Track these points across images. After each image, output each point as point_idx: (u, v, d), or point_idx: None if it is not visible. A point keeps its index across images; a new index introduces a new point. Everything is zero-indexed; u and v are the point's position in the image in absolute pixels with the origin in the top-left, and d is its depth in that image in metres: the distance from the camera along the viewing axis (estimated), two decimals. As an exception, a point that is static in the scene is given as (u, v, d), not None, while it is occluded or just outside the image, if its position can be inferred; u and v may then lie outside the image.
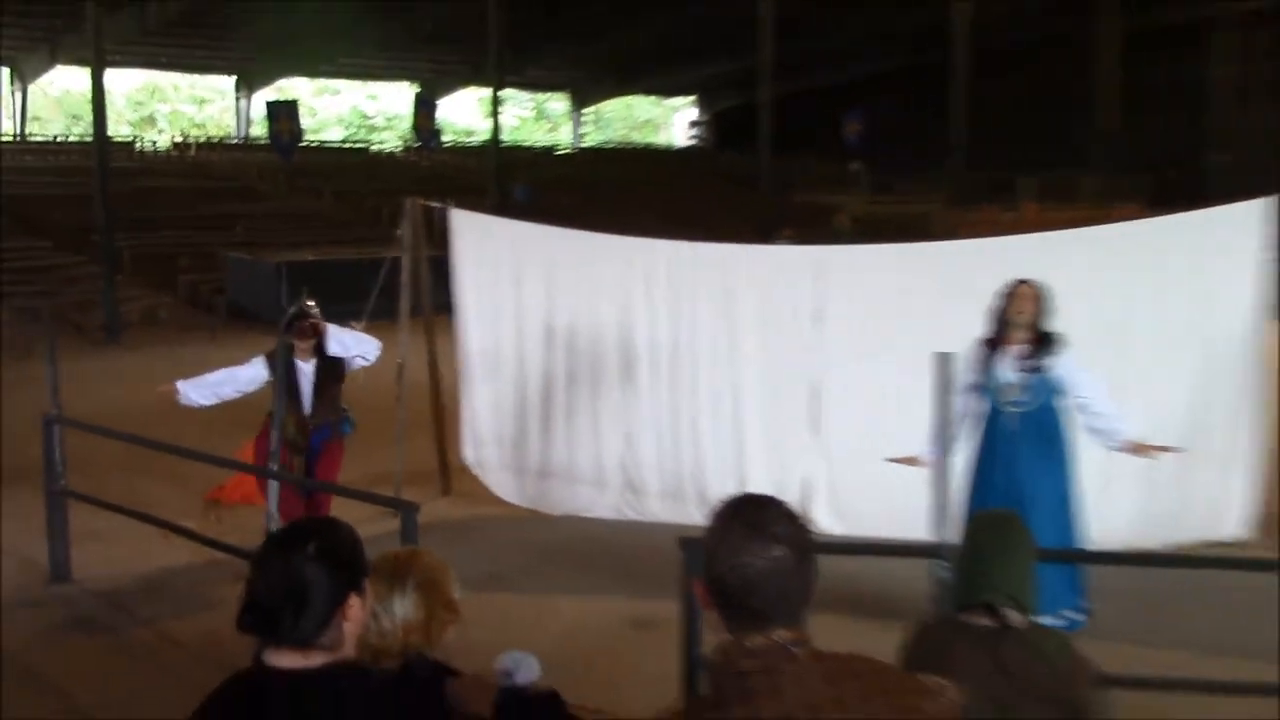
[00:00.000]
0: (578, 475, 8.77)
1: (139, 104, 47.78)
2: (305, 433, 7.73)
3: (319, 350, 7.72)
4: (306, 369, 7.78)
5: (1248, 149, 38.05)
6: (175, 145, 36.94)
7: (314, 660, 2.32)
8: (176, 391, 7.65)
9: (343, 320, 8.15)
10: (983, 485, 6.09)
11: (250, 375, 7.73)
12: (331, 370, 7.83)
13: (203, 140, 38.80)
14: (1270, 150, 39.58)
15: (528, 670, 2.81)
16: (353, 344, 7.90)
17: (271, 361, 7.66)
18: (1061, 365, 5.92)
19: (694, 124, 56.20)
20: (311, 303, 7.81)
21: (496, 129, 30.48)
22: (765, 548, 2.03)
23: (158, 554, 7.86)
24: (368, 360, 8.06)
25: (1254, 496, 7.35)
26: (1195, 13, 38.05)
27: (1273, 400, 7.51)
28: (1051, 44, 41.68)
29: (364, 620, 2.45)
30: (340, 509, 7.27)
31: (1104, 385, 6.17)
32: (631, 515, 8.55)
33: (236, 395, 7.78)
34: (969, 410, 6.12)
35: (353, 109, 55.11)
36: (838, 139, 40.75)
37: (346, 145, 44.53)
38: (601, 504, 8.67)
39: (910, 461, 5.95)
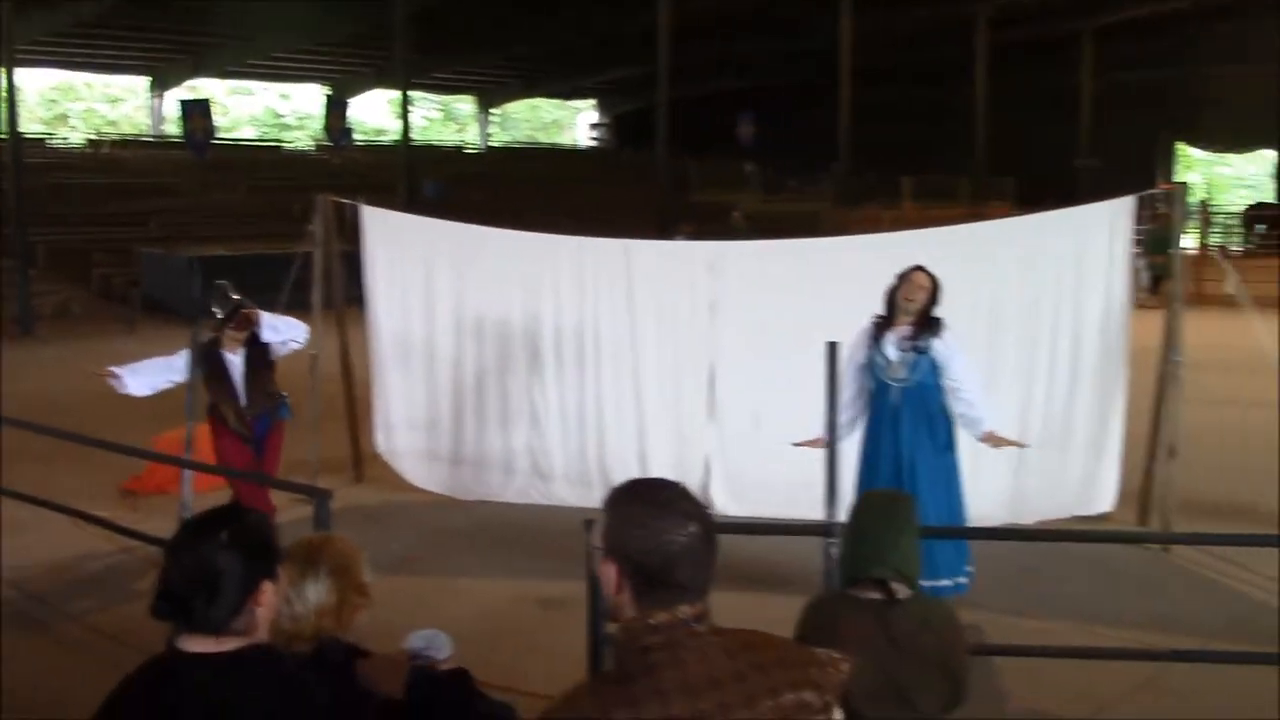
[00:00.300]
0: (487, 461, 8.71)
1: (52, 102, 46.36)
2: (246, 423, 7.52)
3: (248, 340, 7.51)
4: (235, 360, 7.56)
5: (1113, 153, 39.13)
6: (89, 142, 35.92)
7: (227, 645, 2.26)
8: (114, 375, 7.39)
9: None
10: (871, 457, 6.18)
11: (177, 368, 7.50)
12: (260, 358, 7.62)
13: (116, 138, 37.78)
14: (1133, 154, 40.78)
15: (439, 647, 2.78)
16: (284, 329, 7.69)
17: (200, 356, 7.45)
18: (941, 346, 6.02)
19: (595, 126, 56.13)
20: (236, 295, 7.59)
21: (406, 128, 30.12)
22: (682, 525, 2.03)
23: (76, 545, 7.64)
24: (299, 344, 7.86)
25: (1119, 475, 7.54)
26: (1061, 26, 38.98)
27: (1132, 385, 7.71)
28: (930, 55, 42.42)
29: (277, 606, 2.41)
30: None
31: (977, 374, 6.26)
32: (538, 499, 8.52)
33: (169, 385, 7.53)
34: (860, 386, 6.20)
35: (266, 108, 54.13)
36: (732, 141, 41.03)
37: (260, 143, 43.68)
38: (510, 489, 8.63)
39: (815, 444, 6.01)
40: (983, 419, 6.09)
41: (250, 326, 7.47)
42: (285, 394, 7.77)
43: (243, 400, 7.50)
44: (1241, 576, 6.70)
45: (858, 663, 2.21)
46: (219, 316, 7.46)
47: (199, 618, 2.24)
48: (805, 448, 6.04)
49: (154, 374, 7.51)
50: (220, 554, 2.25)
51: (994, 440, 6.12)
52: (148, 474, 9.08)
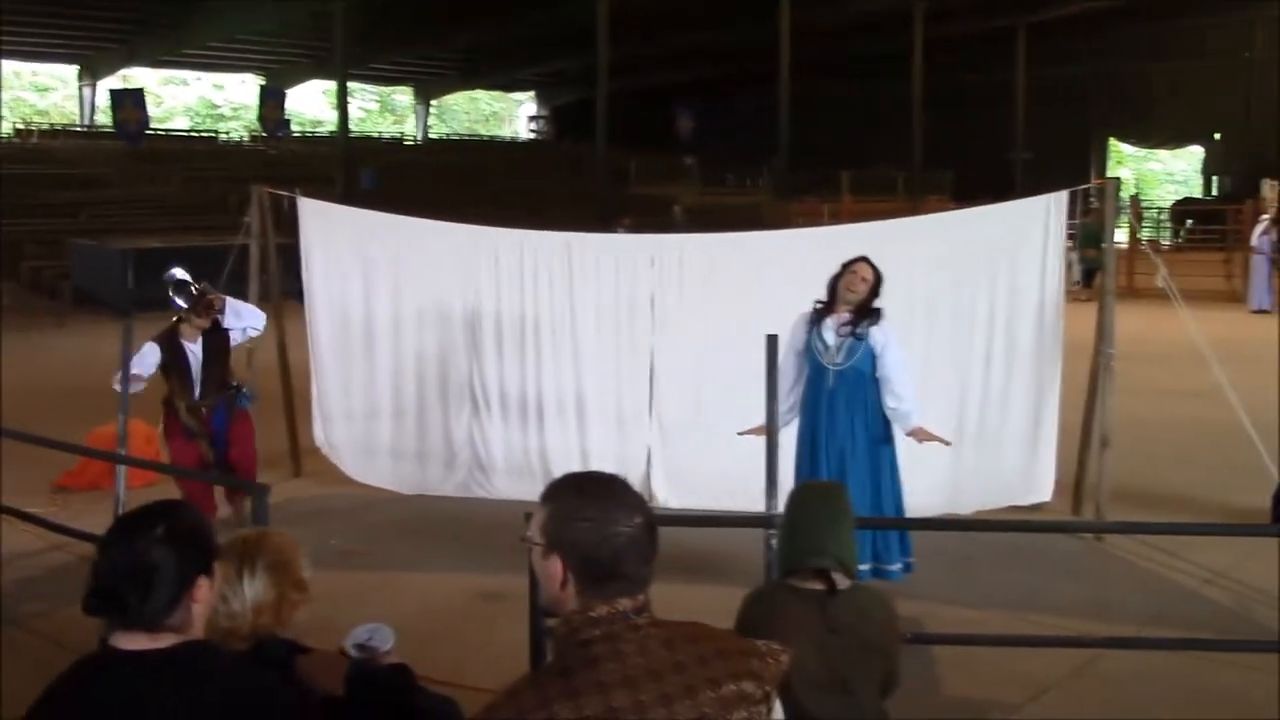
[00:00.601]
0: (427, 454, 8.66)
1: (-23, 91, 45.36)
2: (198, 415, 7.40)
3: (207, 328, 7.40)
4: (195, 348, 7.43)
5: (1047, 148, 39.72)
6: (17, 132, 35.20)
7: (161, 642, 2.23)
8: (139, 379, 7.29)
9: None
10: (809, 444, 6.20)
11: (147, 359, 7.35)
12: (219, 346, 7.50)
13: (45, 127, 37.05)
14: (1066, 149, 41.42)
15: (383, 639, 2.76)
16: (245, 314, 7.59)
17: (161, 344, 7.33)
18: (879, 334, 6.05)
19: (534, 118, 55.95)
20: (197, 283, 7.47)
21: (344, 119, 29.81)
22: (628, 517, 2.04)
23: (8, 543, 7.46)
24: (258, 331, 7.76)
25: (1054, 465, 7.64)
26: (995, 22, 39.43)
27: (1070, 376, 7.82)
28: (868, 50, 42.74)
29: (212, 603, 2.38)
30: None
31: (910, 368, 6.27)
32: (479, 492, 8.49)
33: (149, 373, 7.41)
34: (799, 373, 6.23)
35: (200, 98, 53.37)
36: (671, 134, 41.12)
37: (194, 134, 43.06)
38: (450, 482, 8.59)
39: (758, 431, 6.03)
40: (911, 414, 6.11)
41: (214, 313, 7.35)
42: (241, 383, 7.67)
43: (196, 391, 7.38)
44: (1173, 564, 6.83)
45: (798, 653, 2.23)
46: (183, 305, 7.33)
47: (133, 613, 2.20)
48: (750, 435, 6.06)
49: (137, 368, 7.35)
50: (155, 548, 2.21)
51: (921, 435, 6.13)
52: (80, 470, 8.93)
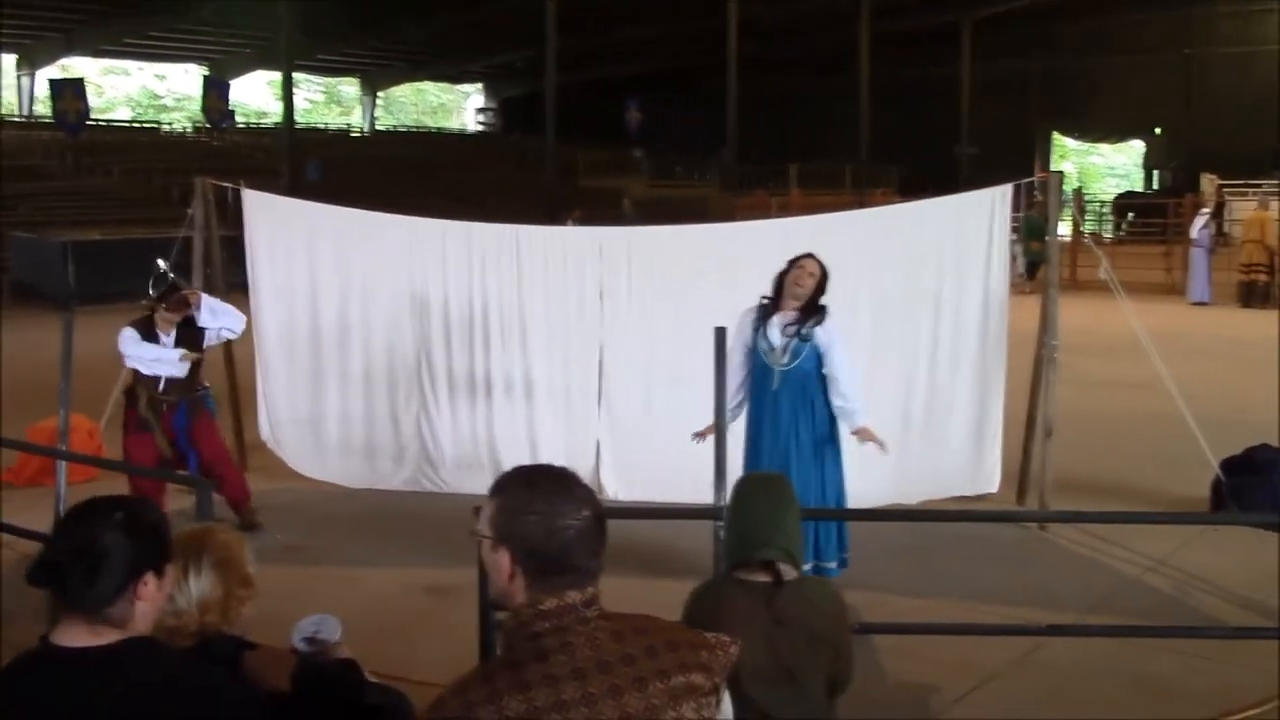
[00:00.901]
0: (375, 448, 8.61)
1: (-88, 80, 44.42)
2: (157, 409, 7.30)
3: (180, 324, 7.31)
4: (167, 341, 7.33)
5: (992, 142, 40.13)
6: (-47, 122, 34.49)
7: (104, 637, 2.20)
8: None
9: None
10: (755, 441, 6.22)
11: (128, 343, 7.33)
12: (191, 343, 7.38)
13: (-18, 118, 36.32)
14: (1011, 143, 41.86)
15: (330, 630, 2.74)
16: (222, 314, 7.48)
17: (139, 332, 7.25)
18: (824, 334, 6.06)
19: (481, 110, 55.66)
20: (172, 275, 7.39)
21: (290, 110, 29.49)
22: (576, 510, 2.05)
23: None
24: (234, 333, 7.65)
25: (999, 456, 7.72)
26: (940, 16, 39.74)
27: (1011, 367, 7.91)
28: (815, 44, 42.95)
29: (160, 604, 2.35)
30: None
31: (856, 367, 6.26)
32: (428, 486, 8.45)
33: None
34: (747, 370, 6.24)
35: (142, 89, 52.62)
36: (620, 127, 41.09)
37: (136, 124, 42.42)
38: (399, 476, 8.54)
39: (709, 432, 6.05)
40: (856, 412, 6.10)
41: (187, 308, 7.26)
42: (208, 386, 7.57)
43: (161, 385, 7.29)
44: (1115, 553, 6.93)
45: (746, 645, 2.24)
46: (153, 296, 7.25)
47: (73, 593, 2.18)
48: (703, 436, 6.05)
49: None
50: (108, 534, 2.20)
51: (864, 435, 6.12)
52: (21, 466, 8.79)
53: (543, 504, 2.05)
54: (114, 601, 2.20)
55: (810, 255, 6.16)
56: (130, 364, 7.41)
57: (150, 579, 2.26)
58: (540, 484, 2.09)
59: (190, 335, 7.39)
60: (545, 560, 2.04)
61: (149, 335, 7.31)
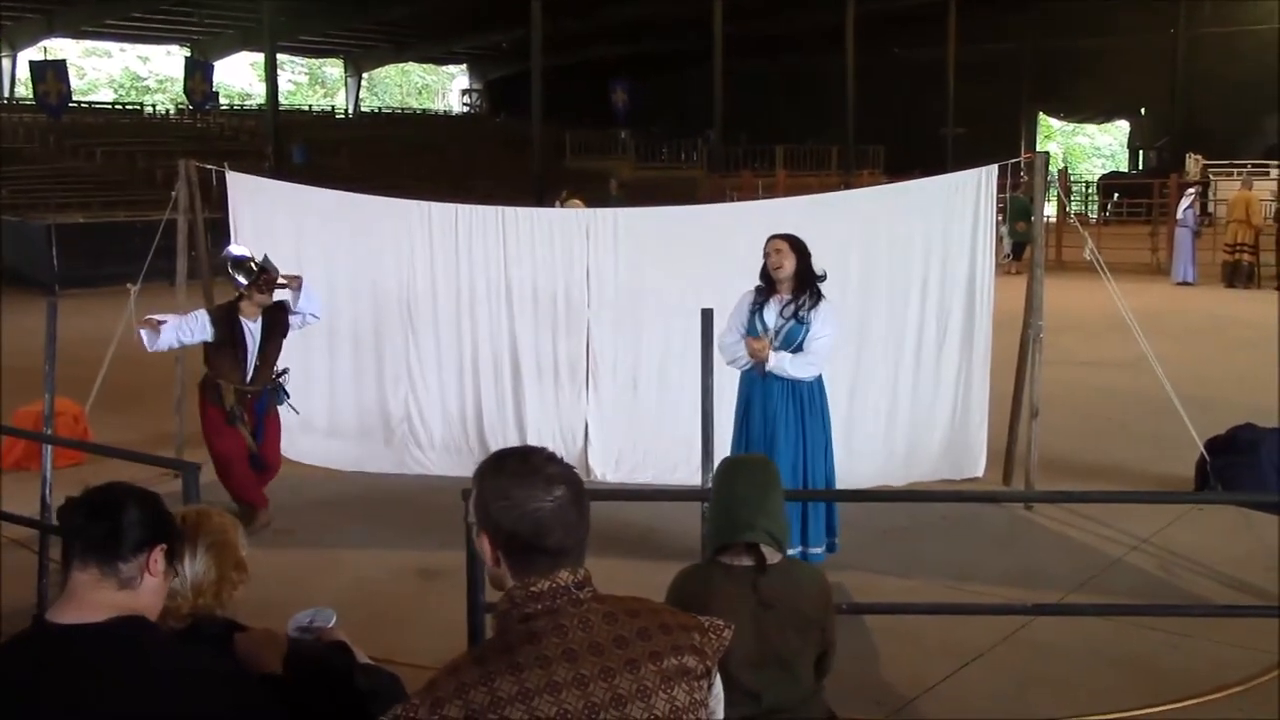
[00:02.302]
0: (363, 431, 8.59)
1: (-109, 61, 44.00)
2: (245, 401, 7.08)
3: (267, 308, 7.13)
4: (254, 328, 7.10)
5: (978, 123, 40.14)
6: (-68, 105, 34.25)
7: (99, 614, 2.22)
8: (154, 326, 6.99)
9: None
10: (744, 420, 6.22)
11: (197, 327, 7.08)
12: (278, 328, 7.18)
13: (-39, 100, 36.07)
14: (996, 123, 41.88)
15: (324, 619, 2.75)
16: (315, 299, 7.34)
17: (217, 318, 7.04)
18: (816, 320, 6.03)
19: (467, 91, 55.44)
20: (256, 258, 7.15)
21: (274, 92, 29.33)
22: (548, 489, 2.04)
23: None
24: (317, 319, 7.50)
25: (985, 439, 7.75)
26: (926, -3, 39.61)
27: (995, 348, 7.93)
28: (802, 24, 42.85)
29: (163, 593, 2.41)
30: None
31: (827, 346, 6.08)
32: (416, 469, 8.45)
33: (188, 343, 7.20)
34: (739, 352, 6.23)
35: (124, 70, 52.26)
36: (606, 108, 40.98)
37: (119, 106, 42.13)
38: (387, 459, 8.53)
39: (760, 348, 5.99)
40: (789, 358, 5.93)
41: (275, 288, 7.08)
42: (286, 369, 7.38)
43: (249, 374, 7.08)
44: (1100, 532, 6.97)
45: (734, 630, 2.25)
46: (243, 281, 7.05)
47: (94, 543, 2.28)
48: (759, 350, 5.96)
49: (177, 330, 7.09)
50: (130, 500, 2.34)
51: (756, 346, 5.94)
52: (5, 450, 8.75)
53: (513, 487, 2.05)
54: (129, 559, 2.29)
55: (774, 236, 6.13)
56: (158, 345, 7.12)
57: (160, 555, 2.35)
58: (508, 468, 2.09)
59: (277, 319, 7.19)
60: (520, 542, 2.04)
61: (230, 320, 7.09)
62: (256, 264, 7.11)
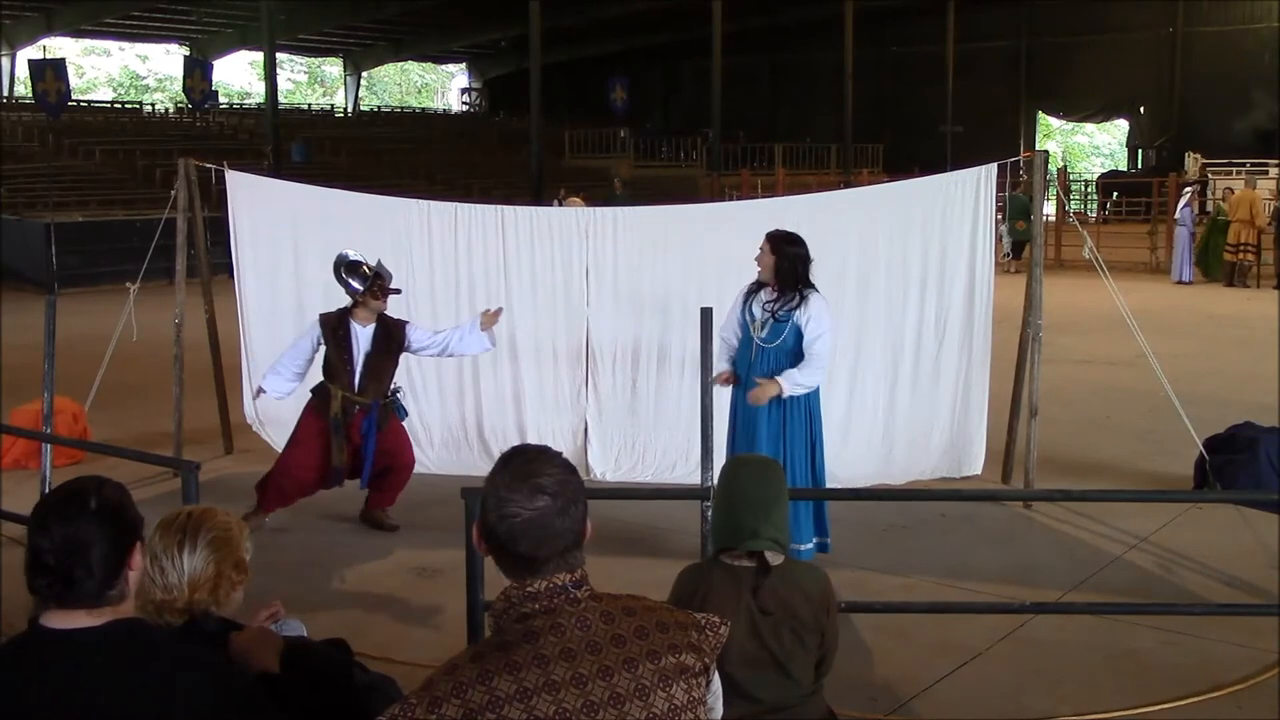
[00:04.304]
0: (361, 430, 8.57)
1: (-110, 60, 43.96)
2: (350, 409, 6.84)
3: (380, 318, 6.91)
4: (364, 335, 6.86)
5: (977, 121, 40.14)
6: (-69, 103, 34.20)
7: (97, 619, 2.22)
8: (263, 392, 6.99)
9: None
10: (733, 409, 6.24)
11: (306, 346, 6.98)
12: (389, 339, 6.92)
13: (-40, 99, 36.03)
14: (994, 121, 41.88)
15: (291, 630, 2.76)
16: (464, 341, 7.12)
17: (327, 325, 6.87)
18: (804, 314, 6.01)
19: (466, 90, 55.39)
20: (370, 265, 6.95)
21: (273, 91, 29.28)
22: (530, 498, 2.03)
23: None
24: (490, 347, 7.26)
25: (984, 438, 7.74)
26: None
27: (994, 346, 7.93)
28: (799, 22, 42.83)
29: (143, 567, 2.40)
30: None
31: (826, 352, 6.08)
32: (415, 468, 8.42)
33: (306, 366, 7.09)
34: (735, 340, 6.25)
35: (123, 69, 52.23)
36: (606, 106, 40.96)
37: (118, 105, 42.09)
38: (385, 458, 8.51)
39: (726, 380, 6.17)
40: (790, 378, 5.91)
41: (386, 296, 6.89)
42: (400, 388, 7.15)
43: (356, 383, 6.85)
44: (1099, 531, 6.97)
45: (735, 631, 2.25)
46: (357, 288, 6.83)
47: (80, 587, 2.22)
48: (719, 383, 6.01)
49: (293, 365, 7.03)
50: (93, 526, 2.25)
51: (762, 391, 5.92)
52: (5, 448, 8.74)
53: (504, 488, 2.05)
54: (114, 584, 2.26)
55: (765, 238, 6.14)
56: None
57: (137, 553, 2.33)
58: (511, 467, 2.09)
59: (392, 333, 6.96)
60: (497, 543, 2.05)
61: (341, 324, 6.88)
62: (370, 268, 6.92)
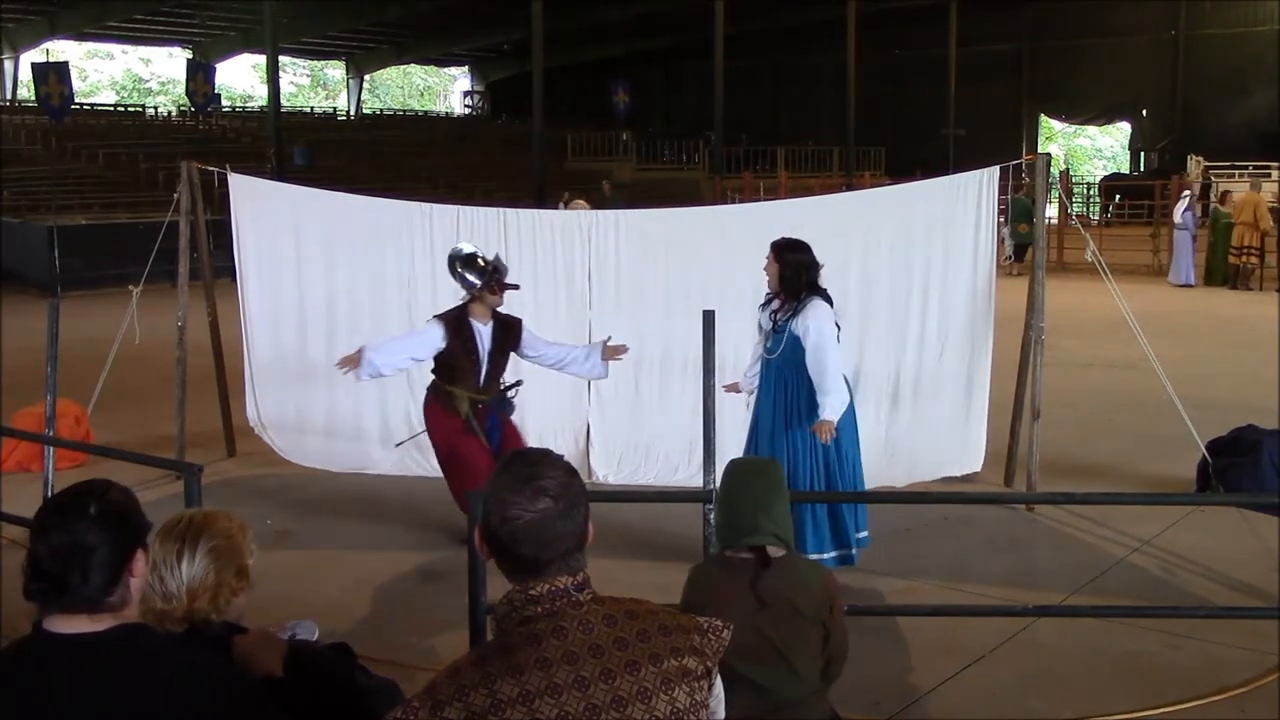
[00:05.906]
0: (363, 433, 8.57)
1: (-106, 63, 44.03)
2: (478, 410, 6.71)
3: (500, 304, 6.74)
4: (485, 332, 6.67)
5: (979, 124, 40.15)
6: (-66, 106, 34.24)
7: (99, 624, 2.21)
8: (360, 360, 6.54)
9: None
10: (751, 423, 6.27)
11: (428, 341, 6.65)
12: (508, 336, 6.76)
13: (-36, 102, 36.08)
14: (996, 124, 41.88)
15: (306, 632, 2.75)
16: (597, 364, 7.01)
17: (449, 324, 6.62)
18: (800, 324, 5.94)
19: (468, 93, 55.45)
20: (481, 256, 6.69)
21: (275, 94, 29.30)
22: (532, 501, 2.04)
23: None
24: (576, 373, 7.16)
25: (984, 436, 7.73)
26: (927, -2, 39.60)
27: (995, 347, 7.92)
28: (801, 25, 42.86)
29: (145, 573, 2.37)
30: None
31: (832, 361, 5.97)
32: (416, 470, 8.41)
33: (412, 365, 6.90)
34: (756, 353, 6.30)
35: (126, 72, 52.30)
36: (608, 109, 41.00)
37: (120, 108, 42.14)
38: (387, 460, 8.50)
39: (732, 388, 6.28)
40: (824, 406, 5.89)
41: (504, 290, 6.71)
42: (521, 381, 7.02)
43: (481, 380, 6.70)
44: (1102, 534, 6.96)
45: (736, 624, 2.25)
46: (475, 282, 6.62)
47: (76, 593, 2.20)
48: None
49: (400, 353, 6.74)
50: (92, 530, 2.22)
51: (821, 430, 5.88)
52: (8, 452, 8.75)
53: (506, 490, 2.06)
54: (113, 591, 2.23)
55: (770, 245, 6.13)
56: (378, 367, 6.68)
57: (139, 559, 2.31)
58: (513, 469, 2.10)
59: (509, 325, 6.81)
60: (499, 545, 2.06)
61: (461, 325, 6.66)
62: (488, 261, 6.69)
